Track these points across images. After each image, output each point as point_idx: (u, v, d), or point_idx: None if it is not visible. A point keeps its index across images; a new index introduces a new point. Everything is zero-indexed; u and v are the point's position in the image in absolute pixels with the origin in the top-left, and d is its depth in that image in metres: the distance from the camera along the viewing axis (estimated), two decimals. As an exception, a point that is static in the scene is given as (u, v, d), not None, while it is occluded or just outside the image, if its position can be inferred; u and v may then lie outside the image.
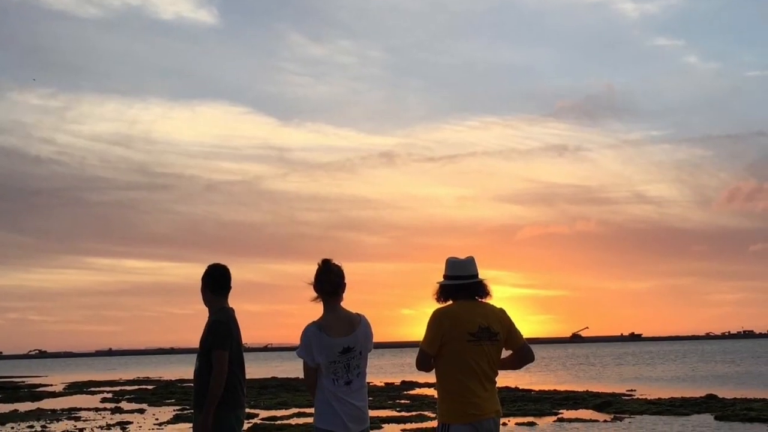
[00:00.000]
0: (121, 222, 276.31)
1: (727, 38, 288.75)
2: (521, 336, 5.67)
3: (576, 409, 26.52)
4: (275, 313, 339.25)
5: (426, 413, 24.93)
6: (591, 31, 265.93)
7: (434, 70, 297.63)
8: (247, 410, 24.97)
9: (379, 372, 62.85)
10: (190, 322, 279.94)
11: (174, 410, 29.11)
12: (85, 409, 30.51)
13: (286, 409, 28.49)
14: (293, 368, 67.51)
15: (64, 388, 48.83)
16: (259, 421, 23.98)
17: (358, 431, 5.56)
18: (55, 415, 28.04)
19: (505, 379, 38.81)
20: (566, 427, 21.16)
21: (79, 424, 24.39)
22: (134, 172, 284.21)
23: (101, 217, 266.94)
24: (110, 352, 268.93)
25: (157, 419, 25.78)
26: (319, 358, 5.52)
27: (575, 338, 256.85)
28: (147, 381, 57.84)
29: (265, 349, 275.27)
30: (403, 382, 44.40)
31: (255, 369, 68.96)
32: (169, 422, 24.59)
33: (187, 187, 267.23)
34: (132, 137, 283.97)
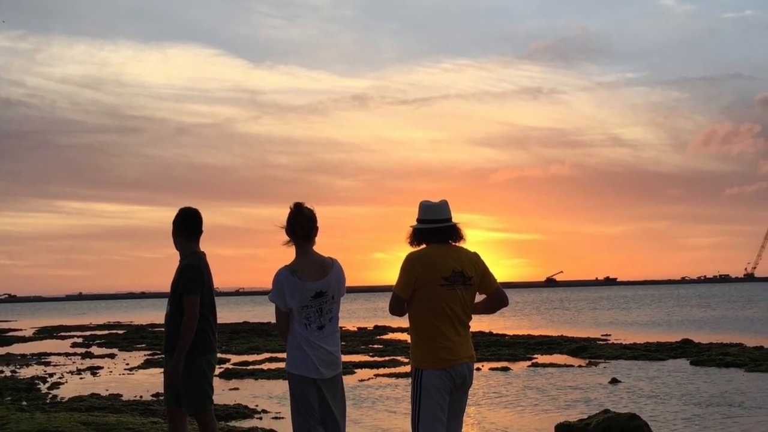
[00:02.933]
0: (91, 165, 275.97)
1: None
2: (495, 280, 5.67)
3: (551, 353, 26.62)
4: (247, 257, 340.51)
5: (399, 358, 25.02)
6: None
7: (407, 12, 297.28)
8: (219, 355, 24.92)
9: (352, 316, 63.27)
10: (161, 266, 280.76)
11: (145, 355, 29.19)
12: (55, 354, 30.39)
13: (257, 353, 28.48)
14: (265, 313, 67.72)
15: (34, 333, 48.61)
16: (231, 366, 23.95)
17: (331, 376, 5.56)
18: (24, 360, 27.88)
19: (480, 323, 39.00)
20: (541, 372, 21.27)
21: (49, 369, 24.24)
22: (104, 114, 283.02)
23: (71, 160, 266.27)
24: (80, 297, 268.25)
25: (127, 364, 25.71)
26: (291, 303, 5.52)
27: (550, 282, 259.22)
28: (118, 326, 57.58)
29: (237, 293, 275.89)
30: (376, 327, 44.61)
31: (226, 314, 69.08)
32: (139, 367, 24.60)
33: (158, 130, 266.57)
34: (102, 80, 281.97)
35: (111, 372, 23.49)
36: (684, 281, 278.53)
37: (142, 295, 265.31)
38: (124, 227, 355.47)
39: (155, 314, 77.51)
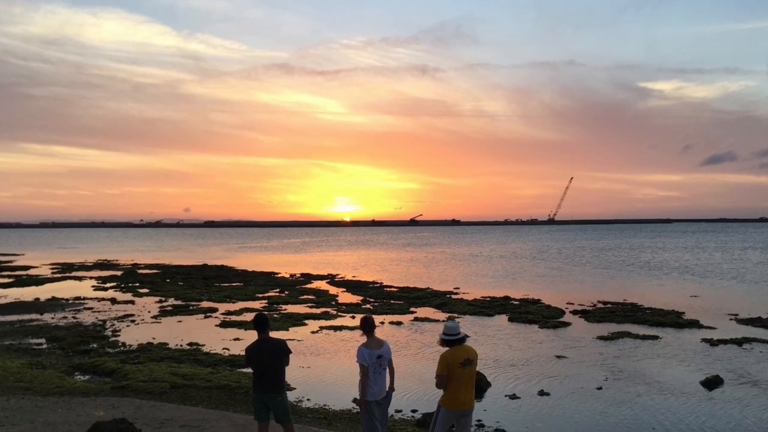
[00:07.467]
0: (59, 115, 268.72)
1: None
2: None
3: (423, 306, 26.18)
4: (187, 195, 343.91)
5: (329, 310, 24.74)
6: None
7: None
8: (206, 304, 25.20)
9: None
10: (119, 201, 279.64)
11: (154, 302, 28.67)
12: (90, 299, 29.82)
13: (231, 302, 28.03)
14: (194, 245, 67.06)
15: (52, 273, 46.53)
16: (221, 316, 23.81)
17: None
18: (71, 305, 27.36)
19: (366, 275, 40.67)
20: (422, 327, 21.45)
21: (98, 316, 24.14)
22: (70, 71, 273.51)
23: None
24: (53, 225, 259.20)
25: (149, 312, 25.40)
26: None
27: (413, 222, 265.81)
28: (112, 265, 55.56)
29: (178, 225, 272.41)
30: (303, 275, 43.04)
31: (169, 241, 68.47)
32: (160, 315, 24.45)
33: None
34: (67, 40, 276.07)
35: (143, 320, 23.16)
36: (507, 222, 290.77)
37: (102, 225, 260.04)
38: (87, 168, 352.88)
39: (123, 250, 77.18)
